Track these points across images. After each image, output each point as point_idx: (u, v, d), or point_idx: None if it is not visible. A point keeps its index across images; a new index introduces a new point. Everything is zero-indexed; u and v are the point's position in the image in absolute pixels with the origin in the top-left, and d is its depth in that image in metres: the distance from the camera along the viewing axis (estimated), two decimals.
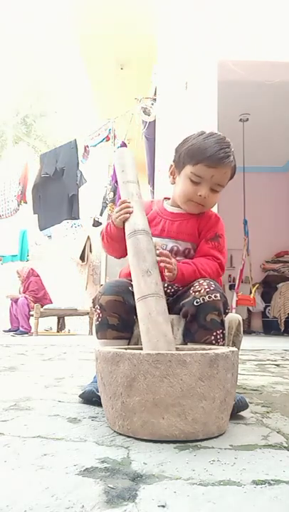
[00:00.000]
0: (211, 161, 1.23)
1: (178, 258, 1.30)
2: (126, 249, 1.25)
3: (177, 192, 1.35)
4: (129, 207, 1.22)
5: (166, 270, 1.15)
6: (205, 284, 1.13)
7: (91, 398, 1.19)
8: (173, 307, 1.21)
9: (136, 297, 1.09)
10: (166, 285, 1.24)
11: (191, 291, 1.14)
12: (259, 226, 7.07)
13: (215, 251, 1.29)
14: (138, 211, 1.22)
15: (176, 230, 1.33)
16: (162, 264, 1.14)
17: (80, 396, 1.25)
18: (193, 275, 1.20)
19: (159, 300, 1.06)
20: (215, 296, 1.11)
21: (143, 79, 4.96)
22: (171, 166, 1.39)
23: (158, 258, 1.15)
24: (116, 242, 1.32)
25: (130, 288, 1.20)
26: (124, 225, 1.23)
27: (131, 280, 1.23)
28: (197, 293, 1.12)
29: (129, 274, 1.31)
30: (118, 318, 1.16)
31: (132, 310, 1.17)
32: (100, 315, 1.18)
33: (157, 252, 1.16)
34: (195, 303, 1.11)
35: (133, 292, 1.19)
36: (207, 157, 1.23)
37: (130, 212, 1.21)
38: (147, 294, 1.06)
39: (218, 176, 1.26)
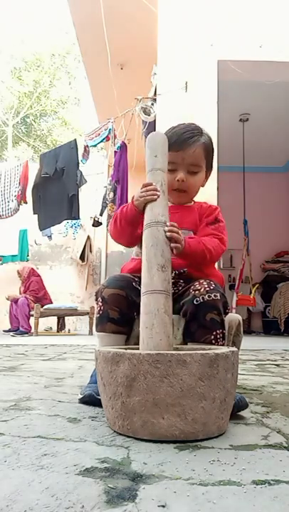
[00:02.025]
0: (177, 144, 1.28)
1: None
2: (137, 237, 1.24)
3: None
4: (156, 191, 1.15)
5: (173, 241, 1.10)
6: (205, 283, 1.14)
7: (92, 402, 1.18)
8: (173, 307, 1.21)
9: (146, 289, 1.04)
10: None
11: (191, 290, 1.14)
12: (259, 226, 7.07)
13: (215, 231, 1.31)
14: (163, 201, 1.15)
15: (178, 221, 1.33)
16: (168, 234, 1.09)
17: (79, 400, 1.23)
18: (198, 246, 1.20)
19: (169, 299, 1.03)
20: (215, 296, 1.11)
21: (143, 79, 4.96)
22: None
23: (166, 228, 1.10)
24: (130, 226, 1.27)
25: (134, 284, 1.20)
26: (144, 209, 1.17)
27: (134, 276, 1.24)
28: (197, 292, 1.12)
29: (132, 270, 1.31)
30: (119, 312, 1.16)
31: (134, 306, 1.16)
32: (102, 308, 1.18)
33: (167, 223, 1.11)
34: (195, 302, 1.11)
35: (136, 288, 1.19)
36: (173, 142, 1.28)
37: (156, 197, 1.14)
38: (159, 290, 1.02)
39: (188, 156, 1.30)
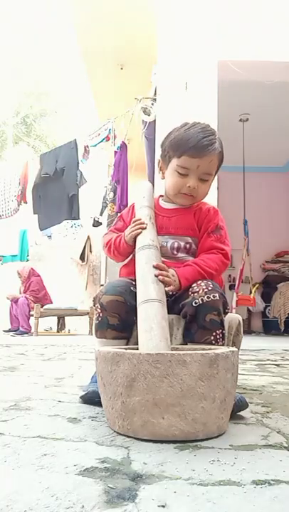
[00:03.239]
0: (194, 150, 1.22)
1: (180, 254, 1.30)
2: (128, 258, 1.35)
3: (167, 186, 1.36)
4: (143, 223, 1.27)
5: (166, 284, 1.16)
6: (203, 284, 1.13)
7: (94, 399, 1.17)
8: (173, 307, 1.21)
9: (142, 299, 1.10)
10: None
11: (190, 292, 1.14)
12: (259, 226, 7.06)
13: (218, 243, 1.28)
14: (152, 229, 1.28)
15: (174, 226, 1.33)
16: (160, 278, 1.14)
17: (81, 397, 1.23)
18: (198, 276, 1.19)
19: (164, 307, 1.10)
20: (214, 296, 1.10)
21: (143, 79, 4.96)
22: (159, 161, 1.39)
23: (155, 272, 1.15)
24: (121, 256, 1.38)
25: (132, 288, 1.20)
26: (134, 241, 1.28)
27: (132, 280, 1.24)
28: (196, 293, 1.12)
29: (130, 273, 1.32)
30: (118, 318, 1.16)
31: (133, 310, 1.16)
32: (101, 314, 1.17)
33: (154, 264, 1.18)
34: (194, 303, 1.11)
35: (134, 293, 1.19)
36: (190, 147, 1.22)
37: (144, 228, 1.26)
38: (155, 299, 1.09)
39: (204, 165, 1.25)
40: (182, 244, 1.31)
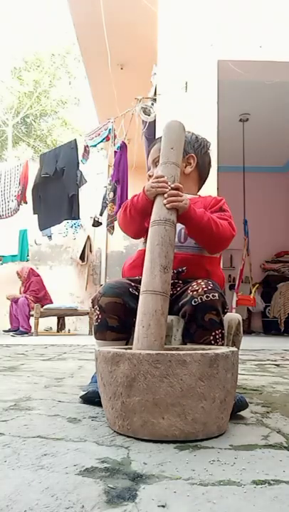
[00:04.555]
0: (157, 140, 1.39)
1: (187, 243, 1.29)
2: (145, 230, 1.22)
3: None
4: (167, 183, 1.14)
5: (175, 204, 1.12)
6: (203, 283, 1.13)
7: (94, 399, 1.17)
8: (172, 307, 1.20)
9: (145, 288, 1.05)
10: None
11: (189, 291, 1.13)
12: (259, 226, 7.07)
13: (221, 216, 1.28)
14: None
15: None
16: (168, 206, 1.11)
17: (81, 397, 1.23)
18: (204, 214, 1.19)
19: (166, 301, 1.06)
20: (213, 296, 1.10)
21: (143, 79, 4.96)
22: None
23: (165, 201, 1.12)
24: (140, 216, 1.24)
25: (130, 289, 1.19)
26: (154, 200, 1.16)
27: (131, 281, 1.23)
28: (195, 292, 1.11)
29: (134, 263, 1.31)
30: (118, 320, 1.15)
31: (132, 312, 1.15)
32: (100, 316, 1.17)
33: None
34: (193, 302, 1.10)
35: (133, 294, 1.18)
36: (151, 144, 1.42)
37: (166, 191, 1.14)
38: (159, 291, 1.04)
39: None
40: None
